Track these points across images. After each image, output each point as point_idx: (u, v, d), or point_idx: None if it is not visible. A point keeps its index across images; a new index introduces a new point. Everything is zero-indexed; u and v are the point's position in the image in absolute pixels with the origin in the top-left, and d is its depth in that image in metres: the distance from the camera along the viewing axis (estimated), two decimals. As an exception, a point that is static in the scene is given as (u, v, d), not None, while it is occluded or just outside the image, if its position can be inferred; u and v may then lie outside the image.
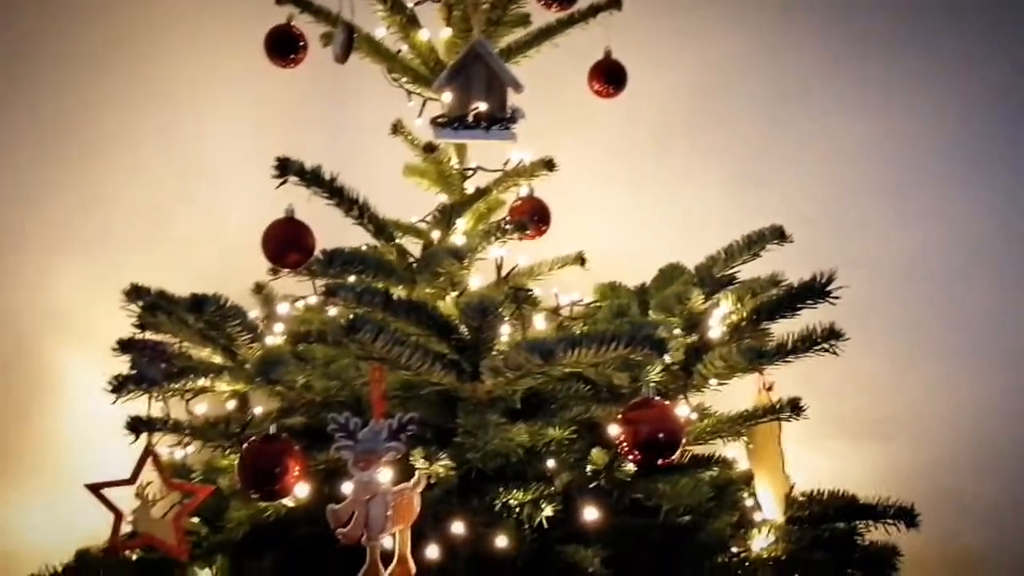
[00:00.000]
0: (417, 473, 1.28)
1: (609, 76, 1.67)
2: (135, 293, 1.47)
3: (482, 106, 1.43)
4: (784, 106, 2.18)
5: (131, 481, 1.37)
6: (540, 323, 1.58)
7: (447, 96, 1.45)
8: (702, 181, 2.18)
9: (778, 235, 1.57)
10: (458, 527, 1.30)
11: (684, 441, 1.25)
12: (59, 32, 1.86)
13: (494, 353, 1.25)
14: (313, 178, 1.37)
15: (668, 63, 2.15)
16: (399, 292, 1.38)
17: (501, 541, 1.30)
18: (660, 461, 1.23)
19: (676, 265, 1.69)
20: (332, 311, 1.56)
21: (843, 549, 1.46)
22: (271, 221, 1.34)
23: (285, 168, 1.35)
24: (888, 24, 2.14)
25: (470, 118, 1.43)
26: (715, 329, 1.50)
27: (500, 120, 1.44)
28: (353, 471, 1.23)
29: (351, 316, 1.18)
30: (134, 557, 1.40)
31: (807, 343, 1.44)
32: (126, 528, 1.37)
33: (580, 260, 1.71)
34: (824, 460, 2.02)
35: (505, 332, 1.43)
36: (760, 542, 1.43)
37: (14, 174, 1.81)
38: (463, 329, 1.29)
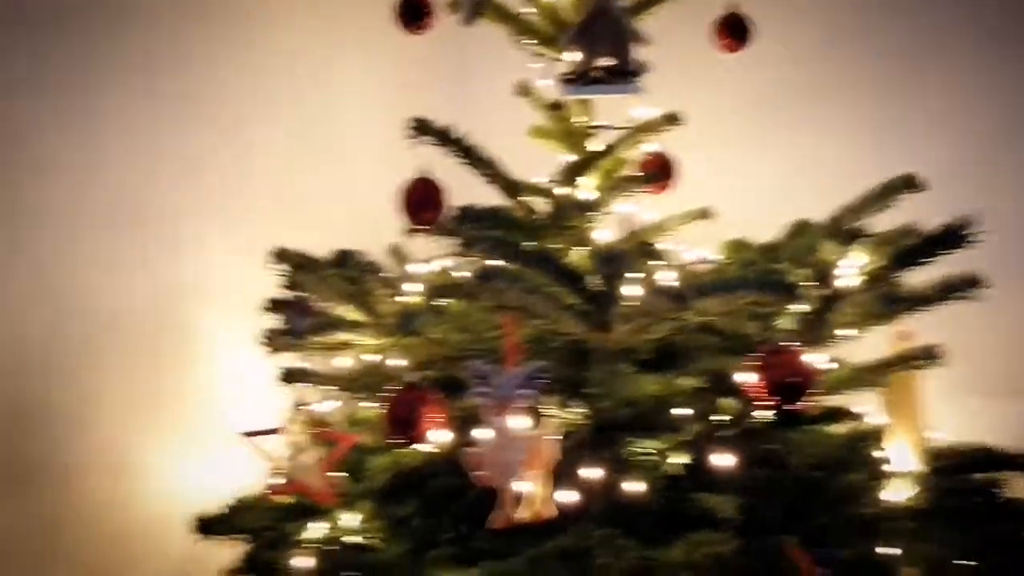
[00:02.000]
0: (551, 421, 1.32)
1: (733, 30, 1.67)
2: (281, 255, 1.56)
3: (608, 61, 1.45)
4: (918, 56, 2.12)
5: (282, 430, 1.45)
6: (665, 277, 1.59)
7: (574, 52, 1.47)
8: (834, 135, 2.15)
9: (911, 184, 1.54)
10: (592, 473, 1.33)
11: (816, 385, 1.25)
12: (193, 8, 1.97)
13: (621, 303, 1.27)
14: (447, 138, 1.41)
15: (798, 15, 2.13)
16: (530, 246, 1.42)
17: (633, 487, 1.32)
18: (792, 405, 1.24)
19: (805, 221, 1.67)
20: (461, 273, 1.61)
21: (984, 500, 1.43)
22: (405, 181, 1.41)
23: (423, 128, 1.40)
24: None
25: (596, 73, 1.46)
26: (848, 279, 1.49)
27: (626, 74, 1.45)
28: (489, 417, 1.28)
29: (484, 267, 1.23)
30: (286, 502, 1.48)
31: (946, 290, 1.43)
32: (279, 476, 1.46)
33: (704, 215, 1.70)
34: (966, 419, 1.97)
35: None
36: (898, 493, 1.41)
37: (161, 155, 1.93)
38: (593, 280, 1.31)
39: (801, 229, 1.66)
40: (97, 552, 1.82)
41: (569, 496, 1.32)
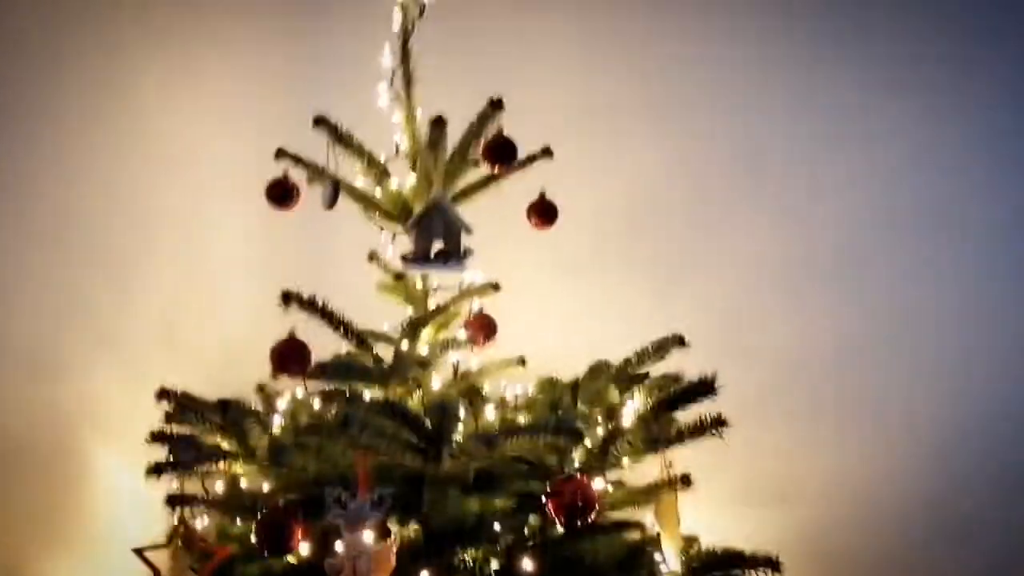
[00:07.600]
0: (392, 534, 1.65)
1: (543, 211, 2.08)
2: (163, 394, 1.85)
3: (440, 246, 1.83)
4: (702, 214, 2.64)
5: (167, 545, 1.73)
6: (490, 412, 1.96)
7: (413, 237, 1.84)
8: (632, 285, 2.61)
9: (679, 342, 1.98)
10: (424, 576, 1.67)
11: (599, 507, 1.62)
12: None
13: (451, 442, 1.63)
14: (310, 305, 1.74)
15: (601, 186, 2.60)
16: (376, 393, 1.76)
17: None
18: (581, 523, 1.61)
19: (602, 363, 2.06)
20: (317, 406, 1.92)
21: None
22: (276, 340, 1.73)
23: (290, 297, 1.73)
24: (782, 142, 2.61)
25: (431, 256, 1.83)
26: (627, 418, 1.89)
27: (455, 257, 1.83)
28: (344, 533, 1.60)
29: (344, 414, 1.56)
30: (168, 606, 1.75)
31: (698, 430, 1.84)
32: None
33: (521, 362, 2.09)
34: (736, 523, 2.41)
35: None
36: (664, 587, 1.80)
37: (56, 291, 2.21)
38: (428, 423, 1.67)
39: (598, 370, 2.06)
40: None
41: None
